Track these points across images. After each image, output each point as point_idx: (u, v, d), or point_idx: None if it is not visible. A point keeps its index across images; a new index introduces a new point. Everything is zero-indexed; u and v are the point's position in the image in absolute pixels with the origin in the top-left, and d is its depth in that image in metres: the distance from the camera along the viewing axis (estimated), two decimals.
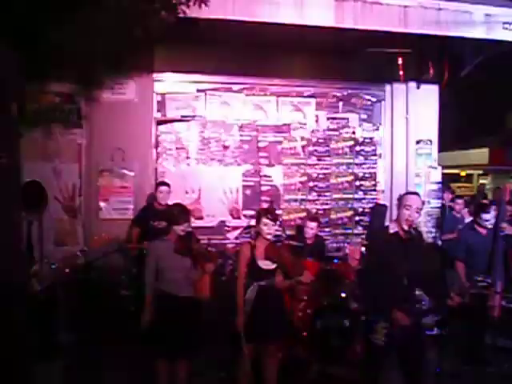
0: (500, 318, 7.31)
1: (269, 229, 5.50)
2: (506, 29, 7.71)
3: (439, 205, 9.79)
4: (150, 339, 5.59)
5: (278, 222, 5.75)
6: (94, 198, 8.51)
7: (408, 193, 5.30)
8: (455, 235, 8.41)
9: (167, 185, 7.91)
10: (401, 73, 9.51)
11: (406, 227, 5.01)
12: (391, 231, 5.21)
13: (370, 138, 9.92)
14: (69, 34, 7.18)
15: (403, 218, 5.01)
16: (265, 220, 5.50)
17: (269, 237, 5.53)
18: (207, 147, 9.14)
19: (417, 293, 5.32)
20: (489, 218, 7.38)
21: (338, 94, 9.82)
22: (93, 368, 6.42)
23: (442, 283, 5.46)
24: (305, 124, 9.60)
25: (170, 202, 7.25)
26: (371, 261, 5.41)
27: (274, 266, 5.58)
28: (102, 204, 8.49)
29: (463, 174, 18.96)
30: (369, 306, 5.37)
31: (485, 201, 9.96)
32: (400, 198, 5.16)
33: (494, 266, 7.27)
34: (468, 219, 9.27)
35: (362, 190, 9.81)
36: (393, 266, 5.03)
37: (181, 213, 5.65)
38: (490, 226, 7.42)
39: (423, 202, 5.30)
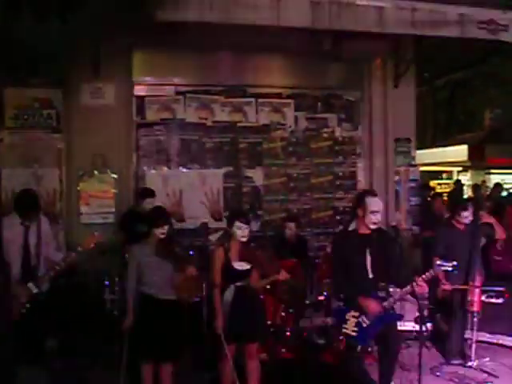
0: (480, 312, 7.41)
1: (242, 232, 5.53)
2: (480, 28, 7.81)
3: (418, 202, 9.90)
4: (134, 342, 5.62)
5: (252, 224, 5.78)
6: (74, 202, 8.49)
7: (369, 194, 5.40)
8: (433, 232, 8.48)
9: (153, 195, 7.85)
10: (378, 73, 9.63)
11: (373, 227, 5.19)
12: (350, 229, 5.44)
13: (349, 138, 10.01)
14: (45, 39, 7.26)
15: (370, 222, 5.20)
16: (238, 223, 5.53)
17: (243, 239, 5.55)
18: (187, 149, 9.16)
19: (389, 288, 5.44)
20: (467, 214, 7.47)
21: (317, 95, 9.87)
22: (78, 372, 6.44)
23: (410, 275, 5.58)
24: (284, 125, 9.65)
25: None
26: (335, 257, 5.64)
27: (248, 266, 5.62)
28: (82, 209, 8.47)
29: (451, 170, 19.11)
30: (338, 297, 5.57)
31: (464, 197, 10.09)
32: (361, 200, 5.29)
33: (474, 260, 7.36)
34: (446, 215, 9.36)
35: (342, 190, 9.89)
36: (354, 262, 5.22)
37: (160, 216, 5.67)
38: (467, 222, 7.50)
39: None
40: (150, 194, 7.76)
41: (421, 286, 5.16)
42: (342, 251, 5.47)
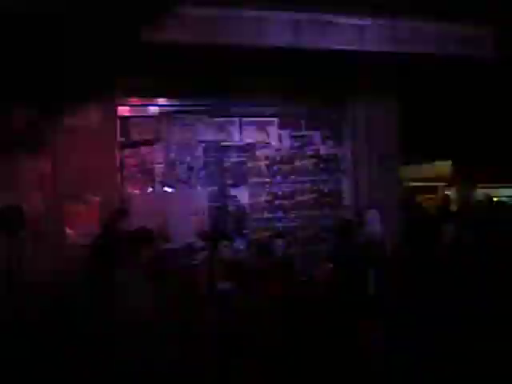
0: None
1: (224, 252, 5.57)
2: (458, 44, 7.91)
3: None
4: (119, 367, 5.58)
5: (238, 243, 5.82)
6: (59, 224, 8.42)
7: (367, 212, 5.53)
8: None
9: (127, 213, 7.79)
10: (361, 90, 9.69)
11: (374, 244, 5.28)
12: (362, 244, 5.58)
13: (334, 155, 10.04)
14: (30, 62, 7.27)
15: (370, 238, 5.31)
16: (220, 244, 5.58)
17: (226, 259, 5.58)
18: (172, 170, 9.15)
19: None
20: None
21: (301, 113, 9.91)
22: None
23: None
24: (268, 143, 9.68)
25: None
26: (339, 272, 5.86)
27: (233, 285, 5.63)
28: (67, 230, 8.41)
29: (436, 185, 19.13)
30: None
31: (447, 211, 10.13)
32: (362, 219, 5.46)
33: None
34: None
35: (327, 207, 9.89)
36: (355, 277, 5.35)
37: (146, 237, 5.66)
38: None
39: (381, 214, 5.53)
40: (125, 212, 7.72)
41: None
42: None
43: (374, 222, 5.26)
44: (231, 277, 5.61)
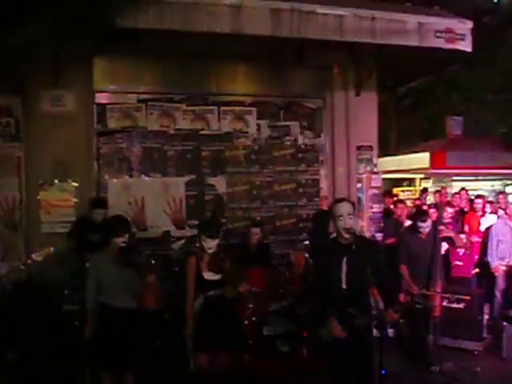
0: (441, 317, 7.51)
1: (208, 244, 5.62)
2: (438, 37, 7.93)
3: (381, 209, 9.96)
4: (95, 352, 5.56)
5: (218, 237, 5.79)
6: (35, 211, 8.35)
7: (336, 201, 5.35)
8: (396, 239, 8.55)
9: (104, 206, 7.76)
10: (339, 81, 9.70)
11: (346, 235, 5.08)
12: (331, 236, 5.40)
13: (312, 145, 10.04)
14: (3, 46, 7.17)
15: (341, 228, 5.10)
16: (204, 237, 5.62)
17: (209, 251, 5.63)
18: (149, 158, 9.09)
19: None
20: (425, 225, 7.56)
21: (279, 103, 9.90)
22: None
23: (387, 286, 5.49)
24: (247, 133, 9.64)
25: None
26: (313, 265, 5.62)
27: (218, 276, 5.67)
28: (43, 218, 8.33)
29: (413, 177, 19.20)
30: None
31: (424, 207, 10.18)
32: (332, 210, 5.27)
33: (434, 267, 7.46)
34: (408, 222, 9.45)
35: (305, 197, 9.91)
36: (330, 271, 5.14)
37: (120, 224, 5.63)
38: (426, 231, 7.60)
39: (353, 204, 5.39)
40: (101, 204, 7.64)
41: (392, 316, 5.09)
42: (319, 261, 5.50)
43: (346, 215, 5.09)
44: (215, 268, 5.65)
